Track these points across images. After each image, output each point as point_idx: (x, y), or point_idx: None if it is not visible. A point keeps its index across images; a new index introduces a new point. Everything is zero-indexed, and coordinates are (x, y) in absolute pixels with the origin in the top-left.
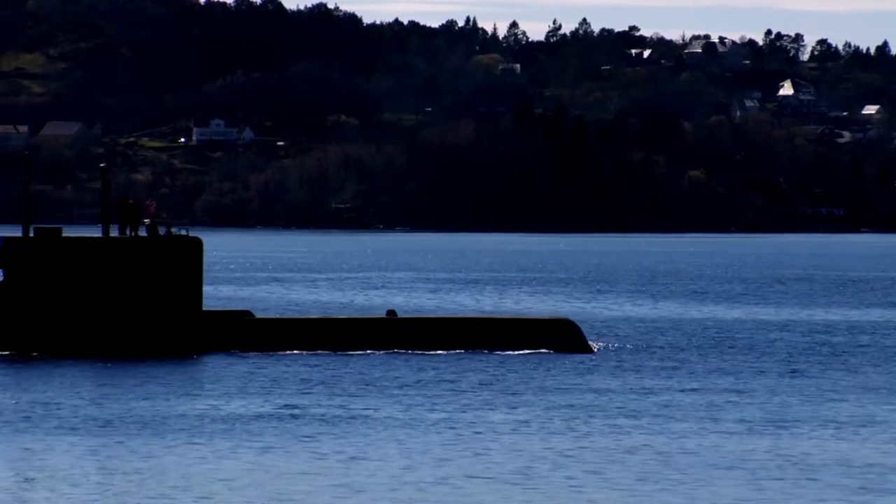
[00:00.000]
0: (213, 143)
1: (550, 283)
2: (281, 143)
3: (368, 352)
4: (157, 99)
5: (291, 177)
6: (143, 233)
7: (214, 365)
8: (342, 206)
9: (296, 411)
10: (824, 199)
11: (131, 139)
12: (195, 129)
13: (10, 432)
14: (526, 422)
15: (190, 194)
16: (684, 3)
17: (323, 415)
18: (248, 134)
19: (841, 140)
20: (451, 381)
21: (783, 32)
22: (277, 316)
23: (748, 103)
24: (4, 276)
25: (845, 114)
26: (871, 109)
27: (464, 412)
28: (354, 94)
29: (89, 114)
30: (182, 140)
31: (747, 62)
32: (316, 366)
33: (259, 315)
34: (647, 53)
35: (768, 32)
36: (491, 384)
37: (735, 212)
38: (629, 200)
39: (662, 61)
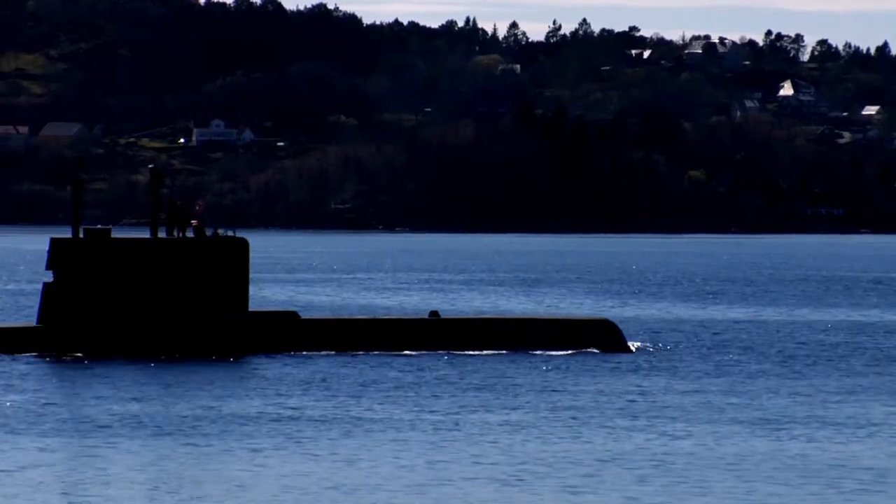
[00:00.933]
0: (213, 144)
1: (580, 284)
2: (281, 144)
3: (412, 352)
4: (157, 99)
5: (291, 177)
6: (190, 234)
7: (262, 365)
8: (342, 206)
9: (348, 412)
10: (824, 200)
11: (131, 140)
12: (195, 130)
13: (59, 433)
14: (586, 422)
15: (190, 195)
16: (684, 4)
17: (376, 416)
18: (248, 134)
19: (841, 140)
20: (500, 382)
21: (783, 33)
22: (323, 317)
23: (748, 104)
24: (54, 277)
25: (845, 114)
26: (871, 110)
27: (526, 414)
28: (354, 95)
29: (89, 114)
30: (182, 140)
31: (747, 62)
32: (362, 366)
33: (304, 316)
34: (647, 54)
35: (768, 33)
36: (546, 385)
37: (735, 212)
38: (629, 200)
39: (662, 62)
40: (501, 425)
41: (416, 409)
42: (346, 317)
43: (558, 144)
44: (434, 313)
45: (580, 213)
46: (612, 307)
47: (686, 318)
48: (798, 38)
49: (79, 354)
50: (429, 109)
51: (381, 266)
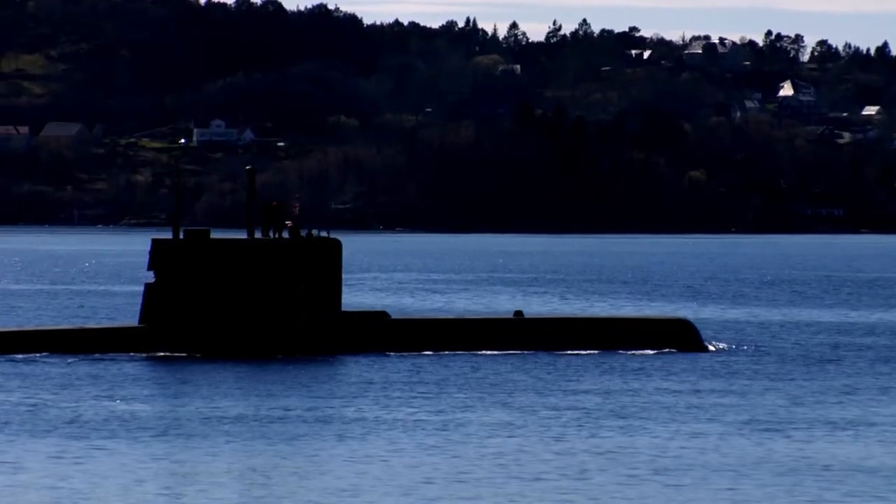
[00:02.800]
0: (214, 144)
1: (645, 285)
2: (281, 144)
3: (497, 352)
4: (158, 100)
5: (291, 178)
6: (285, 234)
7: (357, 365)
8: (342, 206)
9: (441, 413)
10: (824, 200)
11: (132, 140)
12: (195, 130)
13: (160, 433)
14: (680, 421)
15: (190, 195)
16: (684, 4)
17: (471, 416)
18: (248, 135)
19: (841, 141)
20: (590, 381)
21: (783, 33)
22: (412, 316)
23: (748, 104)
24: (155, 277)
25: (845, 114)
26: (870, 110)
27: (618, 415)
28: (354, 95)
29: (90, 114)
30: (182, 141)
31: (747, 63)
32: (451, 366)
33: (394, 316)
34: (647, 54)
35: (768, 33)
36: (635, 386)
37: (735, 212)
38: (629, 201)
39: (662, 62)
40: (618, 427)
41: (517, 409)
42: (434, 317)
43: (558, 145)
44: (518, 313)
45: (580, 214)
46: (672, 308)
47: (745, 318)
48: (798, 39)
49: (179, 354)
50: (429, 110)
51: (403, 265)
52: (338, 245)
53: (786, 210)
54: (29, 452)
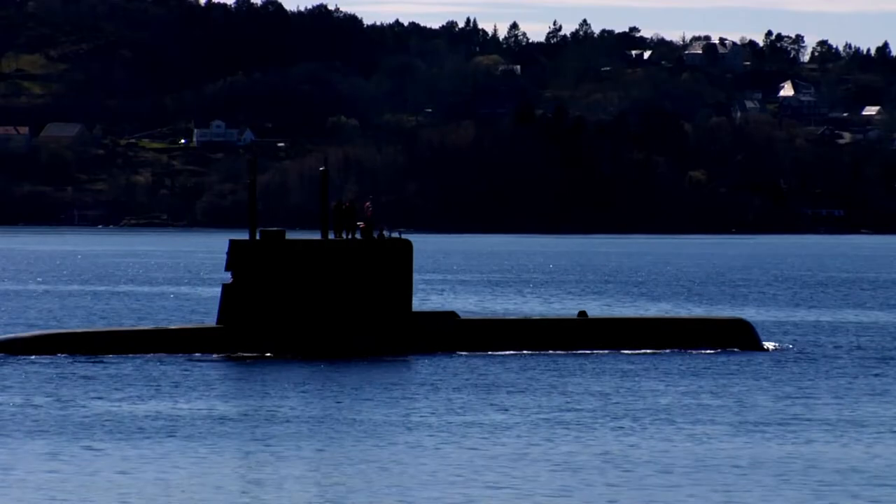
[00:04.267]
0: (214, 145)
1: (683, 284)
2: (281, 145)
3: (563, 352)
4: (158, 100)
5: (292, 178)
6: (357, 235)
7: (429, 366)
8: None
9: (517, 413)
10: (824, 200)
11: (132, 140)
12: (195, 131)
13: (235, 434)
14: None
15: (190, 195)
16: (684, 4)
17: (549, 416)
18: (248, 135)
19: (841, 141)
20: (663, 380)
21: (783, 33)
22: (480, 317)
23: (749, 104)
24: (232, 278)
25: (845, 115)
26: (871, 110)
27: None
28: (354, 95)
29: (90, 115)
30: (182, 141)
31: (748, 63)
32: (523, 366)
33: (463, 316)
34: (647, 54)
35: (768, 33)
36: (713, 385)
37: (735, 212)
38: (629, 201)
39: (663, 62)
40: (692, 426)
41: (597, 409)
42: (501, 317)
43: (558, 145)
44: (582, 313)
45: (580, 214)
46: (722, 308)
47: (796, 320)
48: (798, 39)
49: (255, 355)
50: (429, 110)
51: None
52: (409, 246)
53: (786, 210)
54: (107, 454)
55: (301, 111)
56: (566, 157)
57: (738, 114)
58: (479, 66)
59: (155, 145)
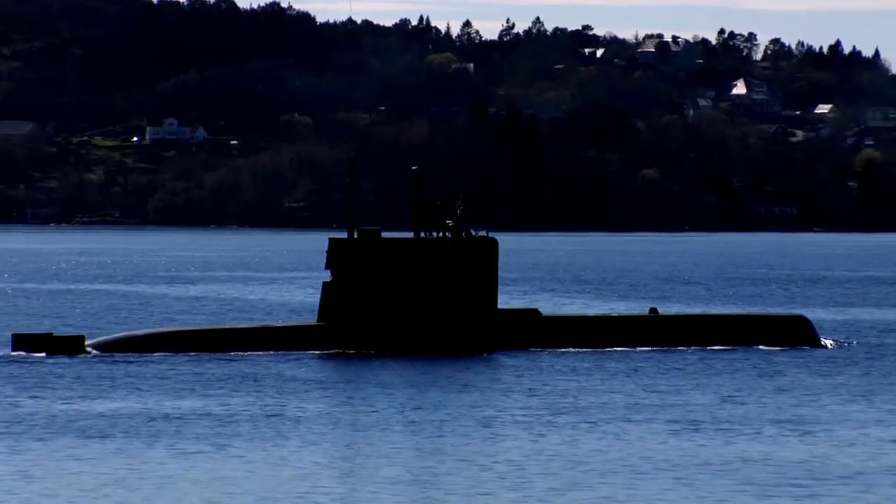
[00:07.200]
0: (166, 142)
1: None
2: (234, 142)
3: (636, 348)
4: (110, 98)
5: (245, 176)
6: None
7: (516, 362)
8: (295, 205)
9: (603, 407)
10: (777, 198)
11: (84, 138)
12: (148, 128)
13: (327, 431)
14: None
15: (142, 193)
16: (637, 3)
17: (629, 414)
18: (201, 133)
19: (794, 139)
20: (726, 375)
21: (736, 31)
22: (561, 314)
23: (701, 102)
24: (332, 276)
25: (798, 113)
26: (823, 108)
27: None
28: (307, 93)
29: (42, 113)
30: (135, 139)
31: (700, 61)
32: (606, 363)
33: (545, 313)
34: (600, 52)
35: (721, 31)
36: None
37: (689, 211)
38: (583, 200)
39: (615, 60)
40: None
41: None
42: (582, 314)
43: (512, 144)
44: (653, 310)
45: (534, 213)
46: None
47: (847, 317)
48: (751, 37)
49: (353, 351)
50: (382, 108)
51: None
52: (495, 244)
53: (739, 208)
54: (204, 451)
55: (254, 109)
56: (519, 155)
57: (691, 112)
58: (433, 63)
59: (107, 143)
